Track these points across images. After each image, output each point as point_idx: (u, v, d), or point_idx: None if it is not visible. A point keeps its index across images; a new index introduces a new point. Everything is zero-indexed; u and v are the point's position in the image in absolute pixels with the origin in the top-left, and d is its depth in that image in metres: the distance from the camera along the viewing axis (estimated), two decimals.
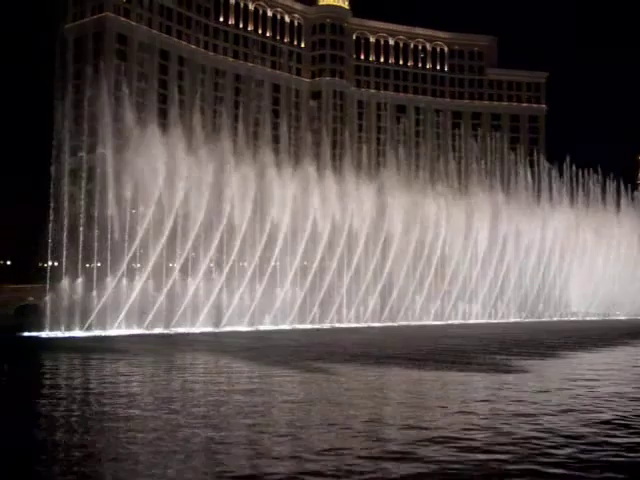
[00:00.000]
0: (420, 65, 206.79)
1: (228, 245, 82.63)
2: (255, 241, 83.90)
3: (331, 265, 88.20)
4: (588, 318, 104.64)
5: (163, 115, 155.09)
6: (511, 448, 17.86)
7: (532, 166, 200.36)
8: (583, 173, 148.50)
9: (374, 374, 35.18)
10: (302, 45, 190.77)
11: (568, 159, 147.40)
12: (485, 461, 16.74)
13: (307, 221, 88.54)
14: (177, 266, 79.22)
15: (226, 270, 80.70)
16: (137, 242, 75.55)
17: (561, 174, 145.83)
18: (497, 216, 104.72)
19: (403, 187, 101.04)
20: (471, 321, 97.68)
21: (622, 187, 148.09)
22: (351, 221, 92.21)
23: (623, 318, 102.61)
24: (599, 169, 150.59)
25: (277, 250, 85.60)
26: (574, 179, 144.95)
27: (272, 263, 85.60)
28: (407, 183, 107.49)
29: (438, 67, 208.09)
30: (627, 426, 20.57)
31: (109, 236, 75.41)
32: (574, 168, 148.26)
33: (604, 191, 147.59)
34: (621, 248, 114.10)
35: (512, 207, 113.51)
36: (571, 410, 23.76)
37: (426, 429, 20.50)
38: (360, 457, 17.07)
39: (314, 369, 36.53)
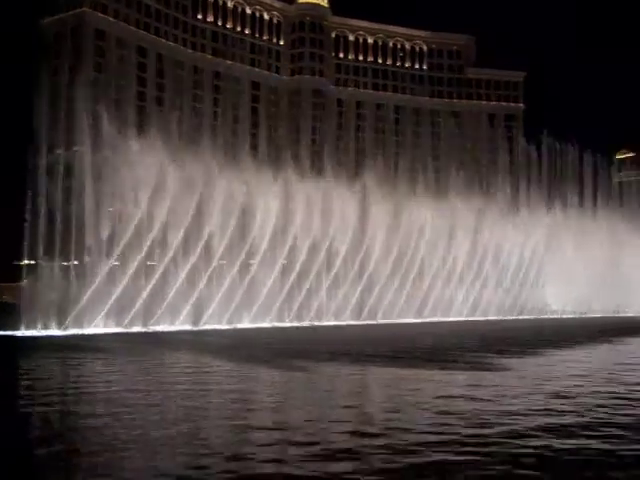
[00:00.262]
0: (399, 64, 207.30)
1: (208, 244, 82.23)
2: (234, 241, 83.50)
3: (311, 265, 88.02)
4: (566, 316, 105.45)
5: (141, 112, 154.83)
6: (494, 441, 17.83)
7: (511, 164, 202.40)
8: (560, 175, 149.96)
9: (354, 372, 35.13)
10: (281, 43, 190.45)
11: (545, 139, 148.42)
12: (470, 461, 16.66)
13: (289, 223, 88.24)
14: (159, 264, 78.73)
15: (209, 270, 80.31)
16: (121, 241, 74.91)
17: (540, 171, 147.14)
18: (478, 218, 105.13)
19: (384, 187, 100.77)
20: (451, 319, 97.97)
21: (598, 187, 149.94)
22: (333, 224, 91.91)
23: (602, 315, 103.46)
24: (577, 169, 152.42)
25: (260, 250, 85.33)
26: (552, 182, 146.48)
27: (253, 261, 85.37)
28: (387, 181, 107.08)
29: (417, 66, 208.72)
30: (586, 427, 20.53)
31: (86, 234, 74.75)
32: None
33: (582, 194, 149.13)
34: (598, 249, 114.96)
35: (492, 210, 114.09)
36: (548, 409, 23.80)
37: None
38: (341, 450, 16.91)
39: (296, 368, 36.44)
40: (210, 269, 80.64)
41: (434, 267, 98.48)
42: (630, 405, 24.54)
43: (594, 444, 17.98)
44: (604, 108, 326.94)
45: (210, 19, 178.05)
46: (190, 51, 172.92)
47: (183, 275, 77.61)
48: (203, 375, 34.06)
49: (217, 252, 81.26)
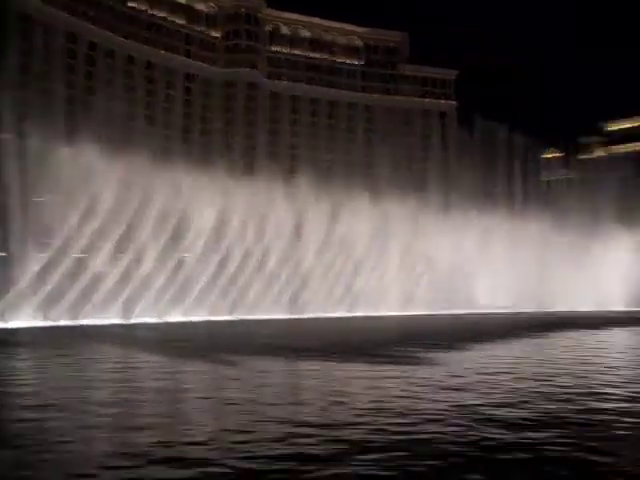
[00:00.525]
0: (334, 59, 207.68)
1: (138, 238, 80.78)
2: (164, 234, 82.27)
3: (246, 260, 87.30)
4: (495, 311, 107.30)
5: (71, 101, 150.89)
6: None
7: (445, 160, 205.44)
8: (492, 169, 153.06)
9: (284, 367, 35.04)
10: (216, 34, 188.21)
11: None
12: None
13: (223, 222, 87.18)
14: (89, 257, 76.91)
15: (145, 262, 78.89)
16: (51, 233, 72.85)
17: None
18: (410, 215, 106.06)
19: (319, 185, 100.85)
20: (383, 313, 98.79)
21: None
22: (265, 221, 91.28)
23: (530, 311, 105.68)
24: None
25: (193, 246, 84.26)
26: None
27: (186, 255, 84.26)
28: (321, 179, 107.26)
29: (352, 61, 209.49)
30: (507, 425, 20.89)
31: (13, 225, 72.46)
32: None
33: (511, 192, 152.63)
34: (526, 247, 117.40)
35: (425, 207, 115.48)
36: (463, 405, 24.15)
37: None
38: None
39: (226, 362, 36.10)
40: (143, 264, 79.30)
41: (367, 264, 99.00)
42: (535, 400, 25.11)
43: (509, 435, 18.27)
44: (537, 107, 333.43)
45: (143, 7, 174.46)
46: (122, 39, 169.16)
47: (114, 269, 76.12)
48: (126, 371, 33.34)
49: (149, 248, 79.95)
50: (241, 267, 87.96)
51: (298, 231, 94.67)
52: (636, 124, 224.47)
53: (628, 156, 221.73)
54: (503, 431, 18.75)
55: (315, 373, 32.81)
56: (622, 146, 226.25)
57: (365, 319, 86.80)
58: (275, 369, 33.89)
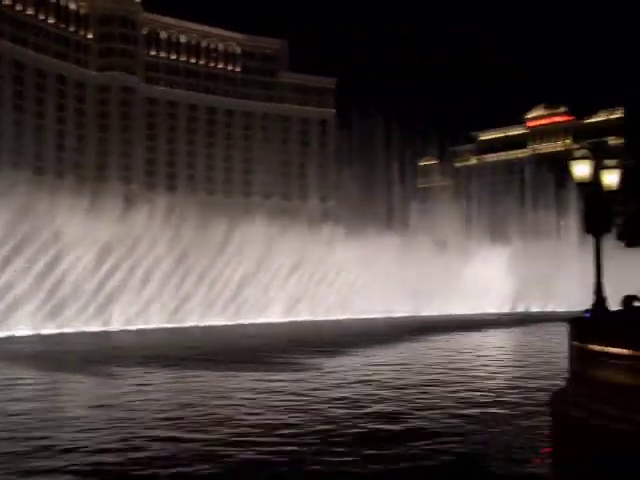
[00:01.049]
0: (212, 65, 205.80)
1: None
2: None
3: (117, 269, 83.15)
4: (373, 315, 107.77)
5: None
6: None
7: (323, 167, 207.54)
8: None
9: (168, 377, 33.77)
10: (89, 36, 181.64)
11: None
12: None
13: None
14: None
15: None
16: None
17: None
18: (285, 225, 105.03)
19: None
20: (268, 320, 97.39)
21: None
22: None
23: (404, 315, 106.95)
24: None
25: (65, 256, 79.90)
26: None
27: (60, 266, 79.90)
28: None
29: (230, 67, 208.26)
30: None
31: None
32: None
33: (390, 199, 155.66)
34: (406, 255, 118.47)
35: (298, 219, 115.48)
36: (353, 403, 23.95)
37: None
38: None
39: (106, 374, 34.51)
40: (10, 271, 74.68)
41: (254, 272, 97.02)
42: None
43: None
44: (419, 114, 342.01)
45: (7, 2, 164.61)
46: None
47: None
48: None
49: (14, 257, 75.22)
50: (126, 280, 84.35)
51: (179, 239, 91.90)
52: (502, 134, 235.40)
53: (496, 164, 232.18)
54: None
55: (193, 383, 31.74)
56: (492, 155, 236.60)
57: (250, 326, 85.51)
58: (157, 380, 32.58)
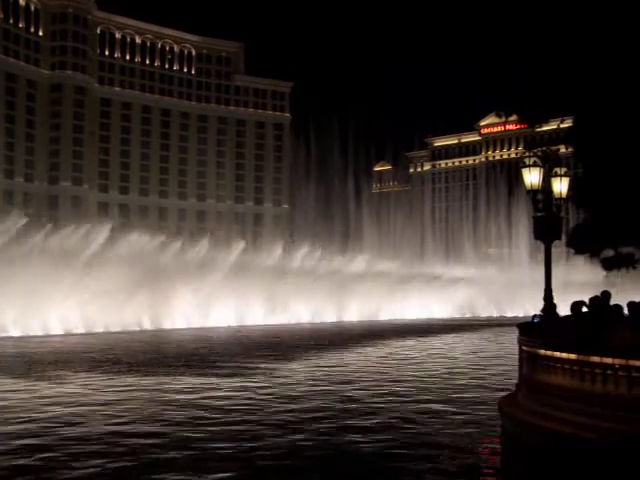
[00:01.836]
0: (167, 66, 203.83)
1: None
2: None
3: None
4: (318, 320, 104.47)
5: None
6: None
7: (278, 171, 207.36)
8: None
9: (107, 382, 33.33)
10: (40, 33, 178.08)
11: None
12: None
13: None
14: None
15: None
16: None
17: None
18: None
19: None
20: (208, 325, 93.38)
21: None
22: None
23: (355, 320, 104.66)
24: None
25: None
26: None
27: None
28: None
29: (185, 69, 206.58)
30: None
31: None
32: None
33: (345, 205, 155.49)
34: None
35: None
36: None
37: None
38: None
39: (51, 377, 34.04)
40: None
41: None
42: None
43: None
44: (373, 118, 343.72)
45: None
46: None
47: None
48: None
49: None
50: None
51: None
52: (455, 141, 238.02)
53: (449, 170, 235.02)
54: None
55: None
56: (445, 161, 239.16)
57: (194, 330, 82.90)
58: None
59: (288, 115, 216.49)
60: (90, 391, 30.12)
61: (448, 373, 36.74)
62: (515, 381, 18.33)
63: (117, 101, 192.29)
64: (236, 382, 32.80)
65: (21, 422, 22.92)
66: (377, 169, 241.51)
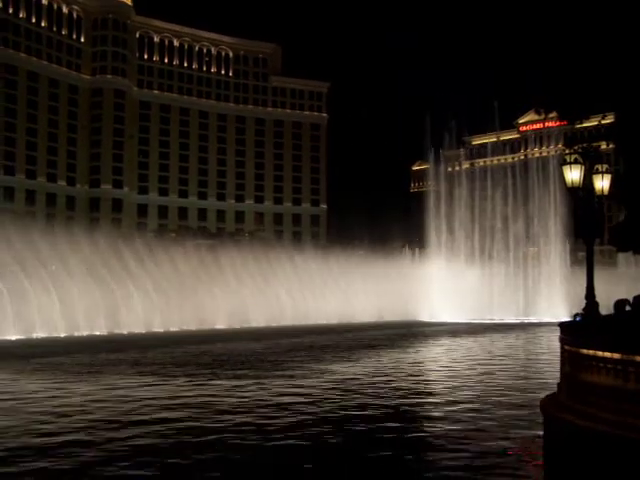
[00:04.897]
0: (205, 69, 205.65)
1: None
2: None
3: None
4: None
5: None
6: None
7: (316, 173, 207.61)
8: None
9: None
10: (82, 40, 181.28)
11: None
12: None
13: None
14: None
15: None
16: None
17: None
18: None
19: None
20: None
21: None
22: None
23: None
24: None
25: None
26: None
27: None
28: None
29: (223, 71, 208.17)
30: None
31: None
32: None
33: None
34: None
35: None
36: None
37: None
38: None
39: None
40: None
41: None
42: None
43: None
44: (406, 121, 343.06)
45: None
46: None
47: None
48: None
49: None
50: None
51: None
52: (493, 139, 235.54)
53: (487, 168, 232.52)
54: None
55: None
56: (484, 159, 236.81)
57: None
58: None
59: (325, 115, 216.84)
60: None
61: (488, 373, 36.36)
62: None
63: (156, 104, 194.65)
64: None
65: None
66: (415, 168, 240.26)
